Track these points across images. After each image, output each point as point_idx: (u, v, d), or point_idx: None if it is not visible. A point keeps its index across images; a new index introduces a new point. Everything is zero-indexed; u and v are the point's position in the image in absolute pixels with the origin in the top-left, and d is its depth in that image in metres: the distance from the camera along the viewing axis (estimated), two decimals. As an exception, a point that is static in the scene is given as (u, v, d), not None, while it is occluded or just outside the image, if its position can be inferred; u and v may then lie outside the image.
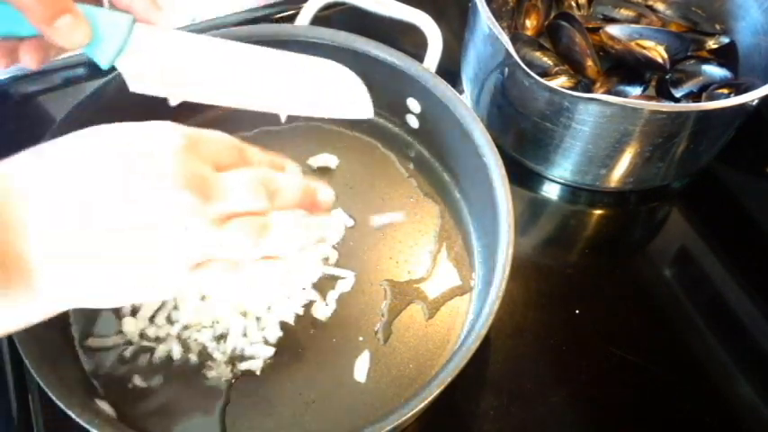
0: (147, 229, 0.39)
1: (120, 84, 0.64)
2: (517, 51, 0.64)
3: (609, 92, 0.72)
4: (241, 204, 0.42)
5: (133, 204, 0.38)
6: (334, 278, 0.65)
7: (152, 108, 0.69)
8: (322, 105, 0.51)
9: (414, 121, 0.72)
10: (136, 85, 0.50)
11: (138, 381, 0.59)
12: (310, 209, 0.48)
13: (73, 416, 0.49)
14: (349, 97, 0.52)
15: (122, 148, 0.39)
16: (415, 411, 0.50)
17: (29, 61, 0.48)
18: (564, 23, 0.75)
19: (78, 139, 0.40)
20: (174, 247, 0.40)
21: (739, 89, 0.70)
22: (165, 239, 0.39)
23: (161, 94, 0.50)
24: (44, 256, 0.37)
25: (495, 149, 0.61)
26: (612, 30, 0.75)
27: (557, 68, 0.75)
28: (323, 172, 0.72)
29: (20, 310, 0.39)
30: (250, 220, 0.43)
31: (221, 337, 0.61)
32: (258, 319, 0.62)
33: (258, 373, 0.60)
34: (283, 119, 0.51)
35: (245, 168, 0.44)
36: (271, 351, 0.61)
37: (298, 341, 0.62)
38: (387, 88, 0.70)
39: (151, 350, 0.61)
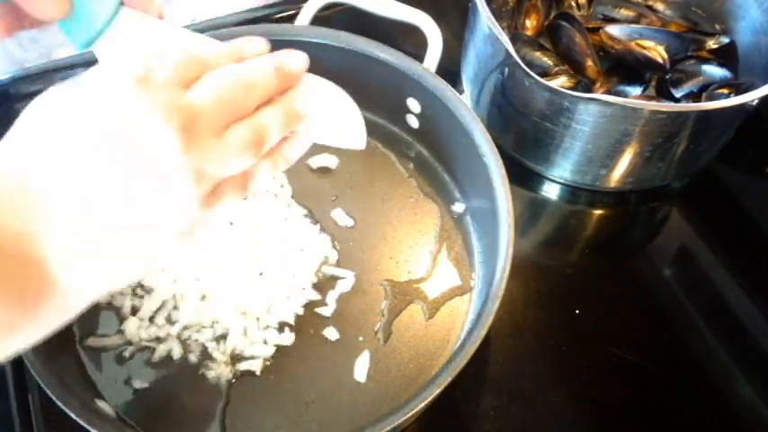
0: (150, 182, 0.37)
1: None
2: (517, 51, 0.64)
3: (609, 92, 0.72)
4: (227, 116, 0.40)
5: (126, 165, 0.37)
6: (335, 278, 0.65)
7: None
8: (316, 132, 0.49)
9: (414, 121, 0.72)
10: None
11: (138, 381, 0.59)
12: (289, 84, 0.45)
13: (73, 416, 0.49)
14: (345, 127, 0.50)
15: (96, 118, 0.37)
16: (415, 411, 0.50)
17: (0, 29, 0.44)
18: (564, 23, 0.75)
19: (63, 118, 0.38)
20: (181, 190, 0.38)
21: (739, 89, 0.69)
22: (169, 185, 0.38)
23: None
24: (67, 259, 0.36)
25: (495, 149, 0.61)
26: (612, 30, 0.74)
27: (557, 68, 0.75)
28: (323, 172, 0.72)
29: (51, 320, 0.38)
30: (244, 130, 0.41)
31: (221, 337, 0.61)
32: (258, 319, 0.62)
33: (258, 373, 0.60)
34: None
35: (213, 75, 0.41)
36: (271, 351, 0.61)
37: (298, 341, 0.62)
38: (387, 88, 0.70)
39: (151, 350, 0.61)
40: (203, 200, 0.40)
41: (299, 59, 0.45)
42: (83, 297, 0.39)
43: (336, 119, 0.49)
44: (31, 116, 0.38)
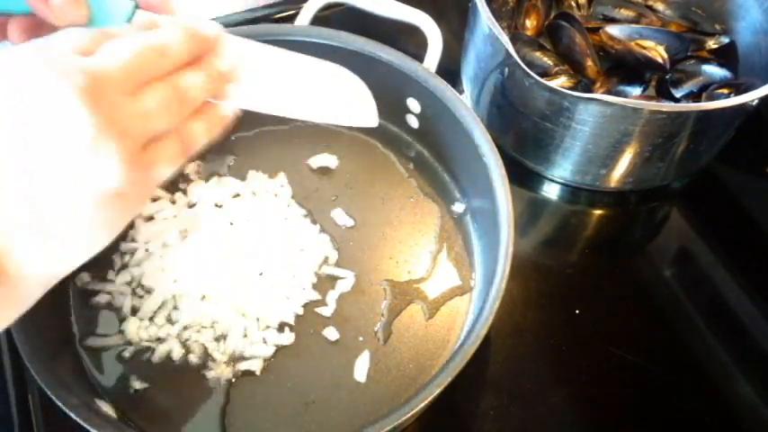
0: (62, 142, 0.37)
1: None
2: (517, 51, 0.64)
3: (609, 92, 0.72)
4: (138, 76, 0.40)
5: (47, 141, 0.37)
6: (334, 278, 0.65)
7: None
8: (326, 112, 0.50)
9: (414, 121, 0.72)
10: None
11: (137, 381, 0.59)
12: (205, 48, 0.45)
13: (73, 416, 0.49)
14: (355, 105, 0.51)
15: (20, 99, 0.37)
16: (415, 411, 0.50)
17: (17, 38, 0.46)
18: (564, 23, 0.75)
19: None
20: (96, 147, 0.38)
21: (739, 89, 0.69)
22: (82, 144, 0.37)
23: None
24: (7, 245, 0.36)
25: (495, 149, 0.61)
26: (612, 30, 0.74)
27: (557, 68, 0.75)
28: (323, 172, 0.72)
29: (7, 309, 0.38)
30: (161, 89, 0.41)
31: (221, 337, 0.61)
32: (258, 319, 0.62)
33: (258, 373, 0.60)
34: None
35: (119, 41, 0.41)
36: (271, 351, 0.61)
37: (298, 341, 0.62)
38: (387, 88, 0.69)
39: (151, 350, 0.61)
40: (129, 158, 0.39)
41: (210, 25, 0.46)
42: (37, 282, 0.39)
43: (346, 99, 0.50)
44: None
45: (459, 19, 0.80)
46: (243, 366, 0.60)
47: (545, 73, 0.74)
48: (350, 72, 0.50)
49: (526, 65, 0.63)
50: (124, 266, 0.64)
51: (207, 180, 0.70)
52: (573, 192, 0.75)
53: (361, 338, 0.63)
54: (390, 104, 0.72)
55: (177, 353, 0.60)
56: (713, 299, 0.69)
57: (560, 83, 0.72)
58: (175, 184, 0.69)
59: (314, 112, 0.49)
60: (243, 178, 0.70)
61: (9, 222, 0.36)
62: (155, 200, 0.68)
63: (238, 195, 0.69)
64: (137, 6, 0.45)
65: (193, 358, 0.60)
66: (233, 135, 0.73)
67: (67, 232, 0.38)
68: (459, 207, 0.70)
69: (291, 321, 0.62)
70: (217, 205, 0.68)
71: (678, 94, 0.73)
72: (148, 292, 0.63)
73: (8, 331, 0.50)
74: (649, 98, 0.74)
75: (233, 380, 0.60)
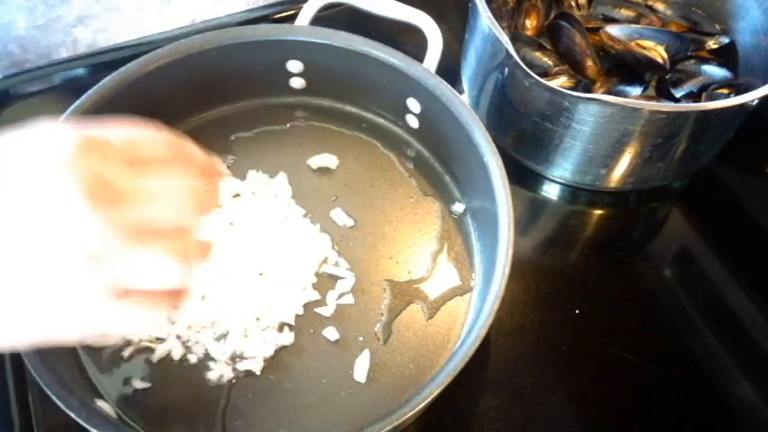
0: (43, 254, 0.33)
1: (119, 85, 0.64)
2: (517, 51, 0.64)
3: (609, 92, 0.72)
4: (163, 216, 0.36)
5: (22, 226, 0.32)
6: (334, 278, 0.65)
7: (150, 110, 0.69)
8: None
9: (414, 121, 0.72)
10: None
11: (138, 381, 0.59)
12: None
13: (73, 416, 0.49)
14: None
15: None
16: (415, 411, 0.50)
17: None
18: (564, 23, 0.75)
19: None
20: (80, 274, 0.33)
21: (739, 89, 0.69)
22: (66, 265, 0.33)
23: None
24: None
25: (495, 149, 0.61)
26: (612, 30, 0.74)
27: (557, 68, 0.75)
28: (323, 172, 0.72)
29: None
30: (176, 241, 0.37)
31: (221, 337, 0.61)
32: (258, 319, 0.62)
33: (258, 373, 0.60)
34: None
35: (170, 173, 0.37)
36: (271, 351, 0.61)
37: (298, 341, 0.62)
38: (387, 88, 0.70)
39: (151, 350, 0.61)
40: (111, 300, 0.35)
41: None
42: None
43: None
44: None
45: (459, 19, 0.80)
46: (243, 366, 0.60)
47: (545, 73, 0.74)
48: None
49: (526, 65, 0.63)
50: (124, 266, 0.64)
51: (207, 180, 0.70)
52: (573, 192, 0.75)
53: (361, 338, 0.63)
54: (390, 104, 0.72)
55: (177, 353, 0.60)
56: (713, 299, 0.69)
57: (560, 83, 0.72)
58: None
59: None
60: (243, 178, 0.70)
61: None
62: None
63: (238, 195, 0.69)
64: None
65: (193, 358, 0.60)
66: (233, 135, 0.73)
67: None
68: (459, 207, 0.70)
69: (291, 321, 0.62)
70: (217, 205, 0.68)
71: (678, 94, 0.73)
72: (148, 292, 0.63)
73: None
74: (649, 98, 0.74)
75: (233, 380, 0.60)
